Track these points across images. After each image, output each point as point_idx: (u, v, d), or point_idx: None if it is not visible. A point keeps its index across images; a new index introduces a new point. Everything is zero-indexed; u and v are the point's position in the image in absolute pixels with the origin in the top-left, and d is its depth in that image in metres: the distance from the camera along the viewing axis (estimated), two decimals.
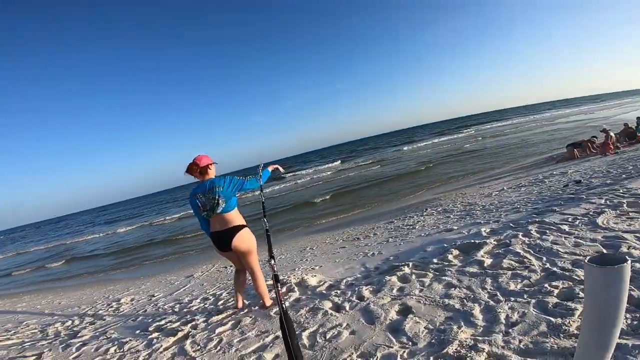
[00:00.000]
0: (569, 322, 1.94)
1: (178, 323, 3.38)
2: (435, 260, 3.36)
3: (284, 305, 2.13)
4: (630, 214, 3.59)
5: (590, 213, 3.83)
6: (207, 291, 4.67)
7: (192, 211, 3.08)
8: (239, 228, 2.95)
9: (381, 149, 47.80)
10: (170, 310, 4.08)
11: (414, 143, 42.44)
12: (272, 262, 2.47)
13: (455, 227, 4.83)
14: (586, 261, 1.16)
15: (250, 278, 3.20)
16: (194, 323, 3.27)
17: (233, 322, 3.06)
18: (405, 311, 2.48)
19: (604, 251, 2.83)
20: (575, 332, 1.86)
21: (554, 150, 14.29)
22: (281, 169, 3.62)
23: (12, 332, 4.61)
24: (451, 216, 6.07)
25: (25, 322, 5.16)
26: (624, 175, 5.68)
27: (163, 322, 3.55)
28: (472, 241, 3.62)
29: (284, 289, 3.57)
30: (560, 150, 13.10)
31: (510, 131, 32.87)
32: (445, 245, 3.79)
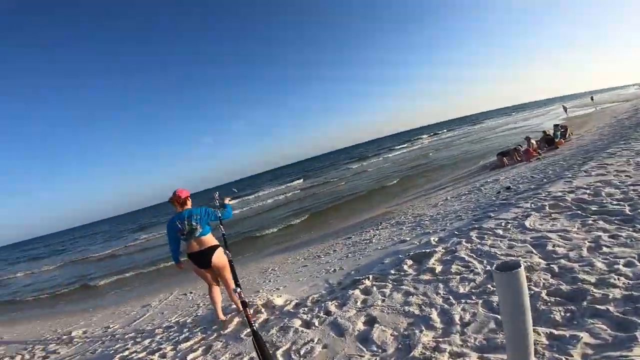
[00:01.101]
0: None
1: (144, 353, 3.30)
2: (392, 271, 3.64)
3: (254, 327, 2.26)
4: (553, 215, 4.20)
5: (519, 217, 4.40)
6: (169, 319, 4.54)
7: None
8: (215, 248, 3.48)
9: (333, 167, 48.90)
10: (132, 341, 3.93)
11: (366, 160, 44.00)
12: (239, 290, 2.74)
13: (408, 238, 5.22)
14: (493, 269, 1.49)
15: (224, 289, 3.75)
16: (161, 352, 3.21)
17: (204, 347, 3.08)
18: (371, 321, 2.70)
19: (534, 250, 3.29)
20: None
21: (486, 159, 15.80)
22: (232, 202, 4.17)
23: None
24: (403, 228, 6.50)
25: None
26: (545, 180, 6.54)
27: (127, 352, 3.43)
28: (424, 250, 3.98)
29: (251, 311, 3.62)
30: (492, 159, 14.53)
31: (450, 141, 35.72)
32: (400, 256, 4.11)
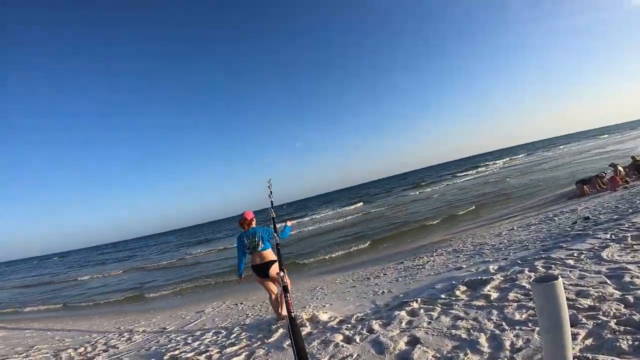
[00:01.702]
0: (573, 345, 2.02)
1: (192, 354, 3.49)
2: (442, 296, 3.44)
3: (292, 313, 2.52)
4: (635, 246, 3.67)
5: (596, 247, 3.90)
6: (219, 325, 4.77)
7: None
8: (273, 262, 3.99)
9: (392, 193, 47.90)
10: (183, 342, 4.19)
11: (428, 186, 42.32)
12: (282, 273, 3.08)
13: (464, 266, 4.89)
14: (531, 281, 1.40)
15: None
16: (208, 354, 3.38)
17: (247, 353, 3.18)
18: (413, 342, 2.57)
19: (608, 281, 2.90)
20: (578, 354, 1.96)
21: (565, 187, 14.26)
22: (293, 222, 4.80)
23: (24, 355, 4.68)
24: (461, 256, 6.11)
25: (35, 347, 5.22)
26: (630, 210, 5.73)
27: (177, 352, 3.66)
28: (480, 277, 3.70)
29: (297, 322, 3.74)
30: (571, 187, 13.09)
31: (525, 167, 32.88)
32: (454, 282, 3.87)
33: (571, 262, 3.61)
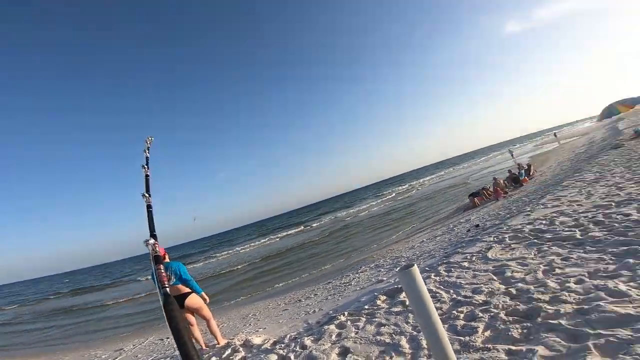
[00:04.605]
0: (474, 338, 2.42)
1: None
2: (366, 307, 3.75)
3: (167, 288, 1.98)
4: (512, 245, 4.49)
5: (483, 249, 4.67)
6: None
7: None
8: (188, 294, 3.95)
9: (313, 219, 49.13)
10: None
11: (348, 209, 44.52)
12: (152, 241, 2.23)
13: (385, 278, 5.36)
14: (396, 270, 1.77)
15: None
16: None
17: None
18: (344, 352, 2.79)
19: (494, 277, 3.52)
20: (481, 345, 2.30)
21: (461, 202, 16.46)
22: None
23: None
24: (382, 270, 6.64)
25: None
26: (508, 215, 6.97)
27: None
28: (396, 286, 4.12)
29: (229, 350, 3.68)
30: (466, 201, 15.18)
31: (424, 189, 36.86)
32: (375, 293, 4.23)
33: (466, 264, 4.27)
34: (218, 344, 4.10)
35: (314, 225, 37.12)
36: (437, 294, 3.45)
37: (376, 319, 3.28)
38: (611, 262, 3.07)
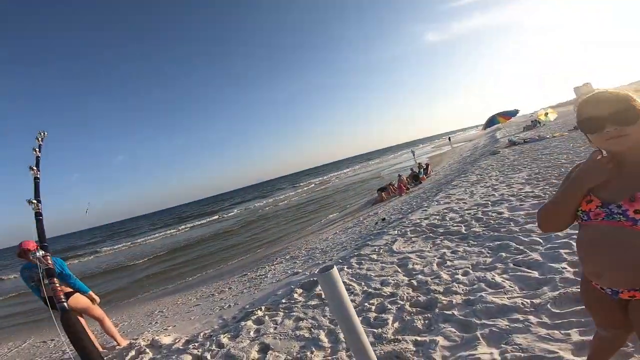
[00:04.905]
0: (386, 330, 2.61)
1: None
2: (284, 301, 3.84)
3: (64, 302, 1.91)
4: (412, 238, 5.06)
5: (389, 242, 5.16)
6: None
7: None
8: (70, 294, 3.50)
9: (228, 208, 47.61)
10: None
11: (263, 199, 44.19)
12: (42, 253, 2.25)
13: (301, 270, 5.55)
14: (317, 272, 1.84)
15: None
16: None
17: None
18: (264, 349, 2.82)
19: (399, 270, 3.92)
20: (392, 337, 2.48)
21: (370, 195, 17.77)
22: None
23: None
24: (297, 261, 6.84)
25: None
26: (409, 210, 7.81)
27: None
28: (312, 279, 4.32)
29: (133, 352, 3.40)
30: (374, 195, 16.45)
31: (338, 182, 38.79)
32: (292, 286, 4.37)
33: (374, 256, 4.67)
34: (118, 345, 3.77)
35: (227, 215, 35.97)
36: (351, 287, 3.72)
37: (294, 313, 3.39)
38: (488, 255, 3.60)
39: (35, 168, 2.54)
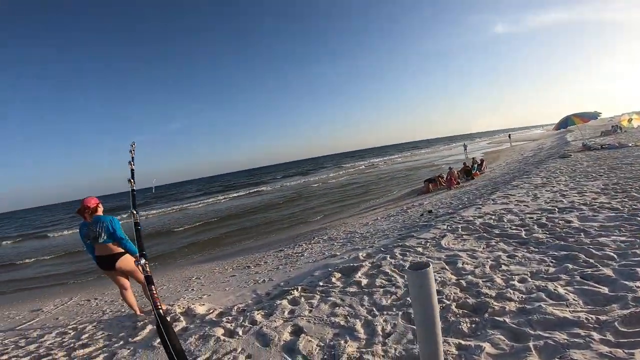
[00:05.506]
0: None
1: (27, 358, 2.89)
2: (321, 283, 3.73)
3: (160, 310, 1.98)
4: (464, 236, 4.69)
5: (437, 237, 4.83)
6: (66, 324, 4.07)
7: None
8: (120, 254, 3.65)
9: (272, 181, 48.80)
10: (14, 345, 3.44)
11: (305, 176, 44.67)
12: (143, 261, 2.22)
13: (339, 253, 5.39)
14: (407, 268, 1.64)
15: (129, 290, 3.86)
16: (50, 357, 2.85)
17: (106, 355, 2.80)
18: (297, 332, 2.71)
19: (447, 267, 3.63)
20: None
21: (415, 185, 17.11)
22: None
23: None
24: (335, 243, 6.70)
25: None
26: (460, 206, 7.31)
27: (4, 357, 2.97)
28: (352, 265, 4.15)
29: (169, 318, 3.43)
30: (420, 184, 15.79)
31: (384, 167, 37.93)
32: (330, 269, 4.23)
33: (420, 249, 4.39)
34: (137, 309, 3.90)
35: (267, 188, 36.86)
36: (392, 278, 3.51)
37: (331, 298, 3.25)
38: (552, 264, 3.26)
39: (132, 180, 2.70)
